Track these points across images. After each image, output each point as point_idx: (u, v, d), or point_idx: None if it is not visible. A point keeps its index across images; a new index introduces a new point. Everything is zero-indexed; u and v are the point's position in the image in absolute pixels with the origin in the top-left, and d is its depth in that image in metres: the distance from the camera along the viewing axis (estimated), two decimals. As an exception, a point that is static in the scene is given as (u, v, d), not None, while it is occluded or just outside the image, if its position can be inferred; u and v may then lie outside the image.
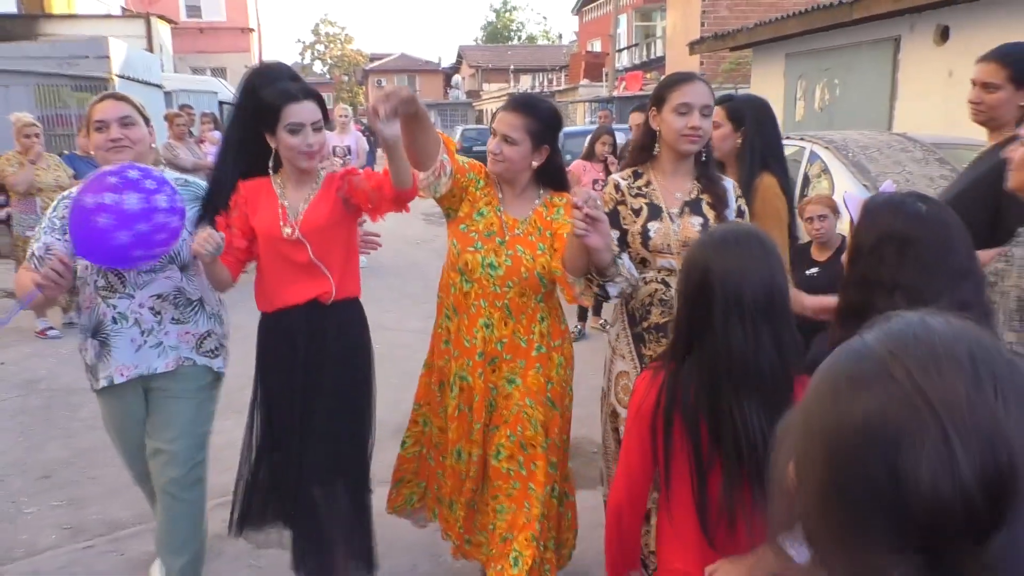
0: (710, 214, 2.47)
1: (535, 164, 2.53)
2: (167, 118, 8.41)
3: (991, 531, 0.61)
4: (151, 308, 2.55)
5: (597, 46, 30.03)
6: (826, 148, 5.26)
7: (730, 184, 2.55)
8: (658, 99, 2.49)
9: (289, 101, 2.45)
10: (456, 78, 50.70)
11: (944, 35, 7.49)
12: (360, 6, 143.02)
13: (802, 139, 5.61)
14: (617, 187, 2.55)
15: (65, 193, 2.63)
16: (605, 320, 6.46)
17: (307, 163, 2.52)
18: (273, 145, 2.53)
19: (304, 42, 63.28)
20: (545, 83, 34.04)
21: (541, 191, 2.61)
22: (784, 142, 6.85)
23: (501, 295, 2.51)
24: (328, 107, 2.76)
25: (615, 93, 21.73)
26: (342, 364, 2.62)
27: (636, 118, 2.99)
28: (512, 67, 41.17)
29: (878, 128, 7.58)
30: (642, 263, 2.47)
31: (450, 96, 48.33)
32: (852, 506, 0.68)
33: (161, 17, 18.26)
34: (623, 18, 27.22)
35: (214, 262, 2.42)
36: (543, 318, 2.57)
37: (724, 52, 13.87)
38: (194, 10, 29.16)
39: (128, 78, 11.93)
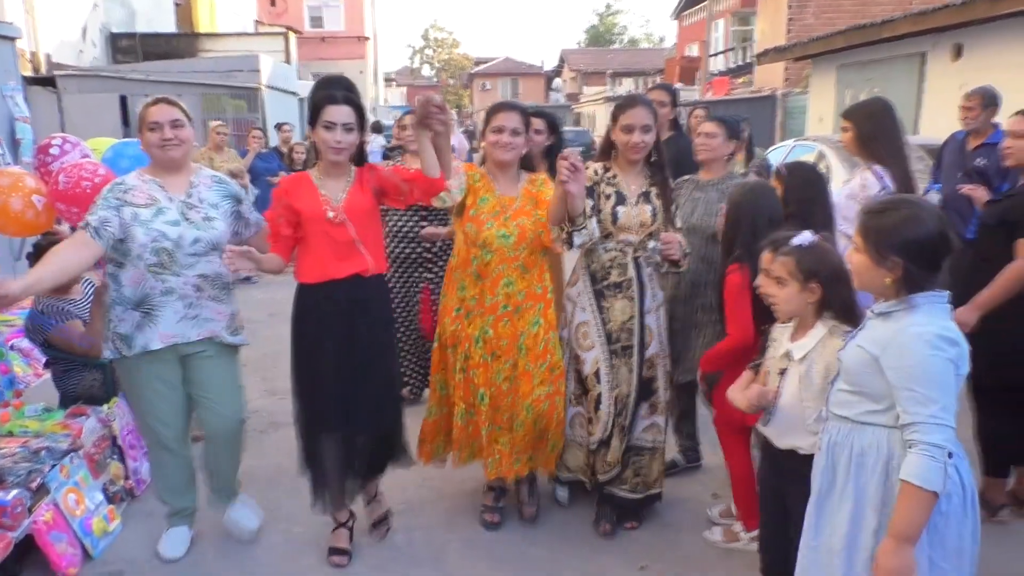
0: (658, 204, 3.04)
1: (524, 151, 3.10)
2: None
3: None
4: (195, 286, 2.84)
5: (695, 50, 30.32)
6: (831, 148, 6.72)
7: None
8: (613, 118, 3.03)
9: (328, 103, 2.73)
10: (557, 81, 51.13)
11: (958, 52, 8.58)
12: (468, 12, 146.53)
13: (816, 141, 7.12)
14: (596, 172, 3.06)
15: (119, 180, 2.86)
16: None
17: (335, 157, 2.77)
18: (314, 140, 2.83)
19: (414, 47, 65.46)
20: (642, 86, 34.62)
21: (522, 172, 3.16)
22: (805, 143, 8.28)
23: (516, 257, 3.01)
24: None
25: (703, 97, 22.43)
26: (380, 326, 2.96)
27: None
28: (610, 71, 41.55)
29: (908, 133, 8.73)
30: (606, 236, 3.01)
31: (550, 99, 48.76)
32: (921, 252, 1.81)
33: (290, 28, 20.55)
34: (720, 23, 27.60)
35: (260, 260, 2.69)
36: (550, 267, 3.17)
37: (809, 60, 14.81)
38: (316, 21, 31.30)
39: (272, 87, 14.15)
